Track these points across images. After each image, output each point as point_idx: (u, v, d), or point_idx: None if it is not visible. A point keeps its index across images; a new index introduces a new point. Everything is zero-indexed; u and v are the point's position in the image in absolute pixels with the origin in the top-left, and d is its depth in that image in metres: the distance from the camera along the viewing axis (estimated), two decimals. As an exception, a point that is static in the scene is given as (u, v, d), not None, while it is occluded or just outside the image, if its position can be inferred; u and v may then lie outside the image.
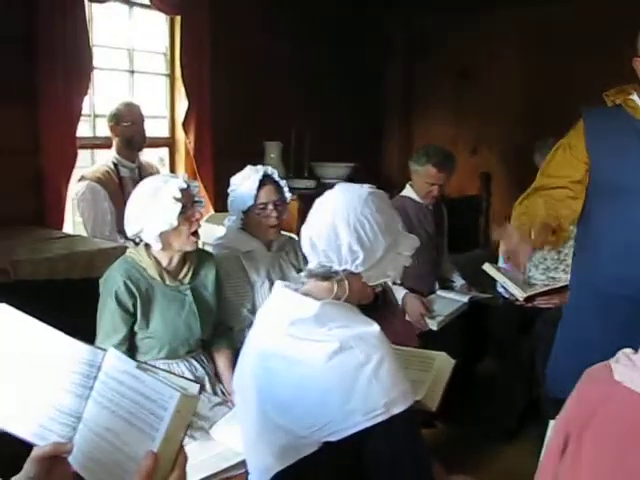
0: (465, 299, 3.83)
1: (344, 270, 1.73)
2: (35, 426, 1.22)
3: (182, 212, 2.43)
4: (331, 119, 5.50)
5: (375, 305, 1.88)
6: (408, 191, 3.92)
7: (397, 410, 1.59)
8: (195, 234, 2.51)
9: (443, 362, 2.46)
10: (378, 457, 1.62)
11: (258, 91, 4.93)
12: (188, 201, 2.47)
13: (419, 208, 3.89)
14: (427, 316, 3.57)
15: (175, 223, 2.41)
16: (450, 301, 3.81)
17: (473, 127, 5.94)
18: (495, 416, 3.68)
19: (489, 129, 5.86)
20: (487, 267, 3.68)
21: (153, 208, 2.42)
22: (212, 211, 4.41)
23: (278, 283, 1.83)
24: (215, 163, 4.59)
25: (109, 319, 2.44)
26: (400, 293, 3.63)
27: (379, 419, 1.58)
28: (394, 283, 3.66)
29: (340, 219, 1.70)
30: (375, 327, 1.66)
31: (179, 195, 2.40)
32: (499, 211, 5.50)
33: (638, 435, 1.31)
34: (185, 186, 2.45)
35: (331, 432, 1.60)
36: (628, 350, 1.42)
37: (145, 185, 2.49)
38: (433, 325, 3.57)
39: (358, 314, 1.73)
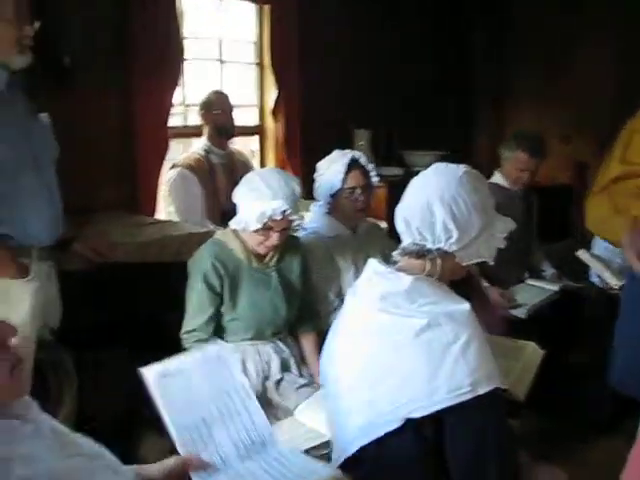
0: (556, 288, 3.73)
1: (438, 249, 1.72)
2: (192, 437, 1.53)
3: (262, 229, 2.44)
4: (420, 107, 5.46)
5: (465, 288, 1.86)
6: (497, 178, 3.84)
7: (482, 390, 1.58)
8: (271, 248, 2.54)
9: (532, 352, 2.42)
10: (460, 437, 1.61)
11: (347, 79, 4.94)
12: (277, 226, 2.45)
13: (508, 195, 3.80)
14: (510, 307, 3.50)
15: (249, 231, 2.46)
16: (540, 290, 3.72)
17: (566, 114, 5.77)
18: (585, 408, 3.58)
19: (583, 117, 5.68)
20: (581, 253, 3.56)
21: (243, 207, 2.48)
22: (311, 207, 4.45)
23: (371, 260, 1.84)
24: (304, 150, 4.62)
25: (196, 299, 2.51)
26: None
27: (463, 398, 1.57)
28: (479, 275, 3.62)
29: (435, 197, 1.70)
30: (465, 305, 1.65)
31: (265, 220, 2.40)
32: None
33: None
34: (278, 218, 2.41)
35: (415, 408, 1.61)
36: None
37: (259, 183, 2.46)
38: (522, 314, 3.49)
39: (449, 292, 1.72)
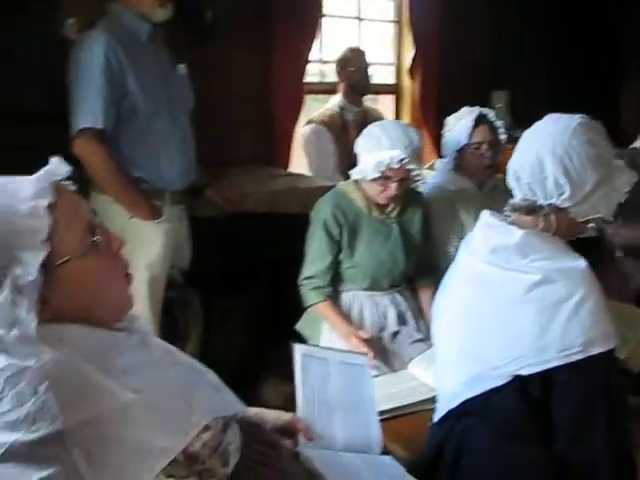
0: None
1: (549, 205, 1.65)
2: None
3: (380, 179, 2.45)
4: (563, 69, 5.21)
5: (588, 250, 1.78)
6: None
7: (595, 351, 1.51)
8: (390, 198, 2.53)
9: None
10: (568, 398, 1.55)
11: (488, 38, 4.80)
12: (395, 176, 2.45)
13: (653, 162, 3.60)
14: None
15: (368, 180, 2.47)
16: (682, 263, 3.51)
17: None
18: None
19: None
20: None
21: (363, 156, 2.50)
22: (436, 158, 4.40)
23: (484, 212, 1.79)
24: (440, 111, 4.53)
25: (316, 246, 2.56)
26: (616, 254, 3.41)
27: (574, 358, 1.51)
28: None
29: (546, 150, 1.62)
30: (581, 262, 1.58)
31: (383, 168, 2.41)
32: None
33: None
34: (396, 167, 2.41)
35: (523, 365, 1.56)
36: None
37: (379, 131, 2.49)
38: (656, 286, 3.31)
39: (564, 248, 1.65)
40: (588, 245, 2.19)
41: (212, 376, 1.40)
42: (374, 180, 2.46)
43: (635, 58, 5.90)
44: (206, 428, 1.19)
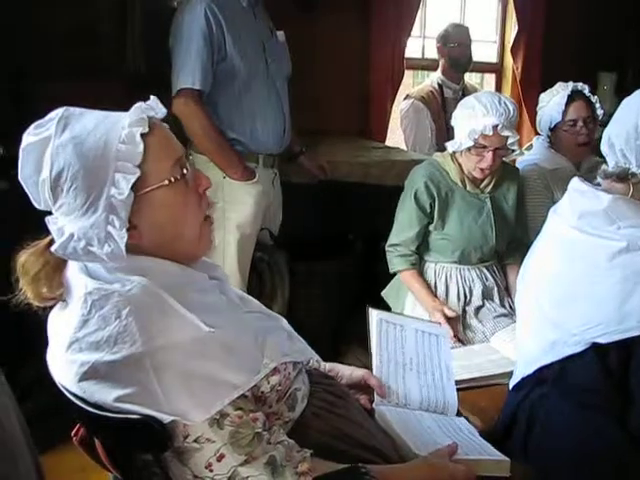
0: None
1: None
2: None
3: (473, 148, 2.43)
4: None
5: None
6: None
7: None
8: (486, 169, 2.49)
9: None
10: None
11: (594, 18, 4.62)
12: (490, 144, 2.42)
13: None
14: None
15: (463, 149, 2.46)
16: None
17: None
18: None
19: None
20: None
21: (457, 127, 2.50)
22: (533, 139, 4.31)
23: (575, 178, 1.76)
24: (542, 91, 4.43)
25: (406, 215, 2.57)
26: None
27: None
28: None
29: None
30: None
31: (476, 136, 2.39)
32: None
33: None
34: (489, 134, 2.39)
35: (602, 333, 1.53)
36: None
37: (473, 101, 2.47)
38: None
39: None
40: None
41: (286, 324, 1.45)
42: (469, 150, 2.44)
43: None
44: (275, 371, 1.23)
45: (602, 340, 1.54)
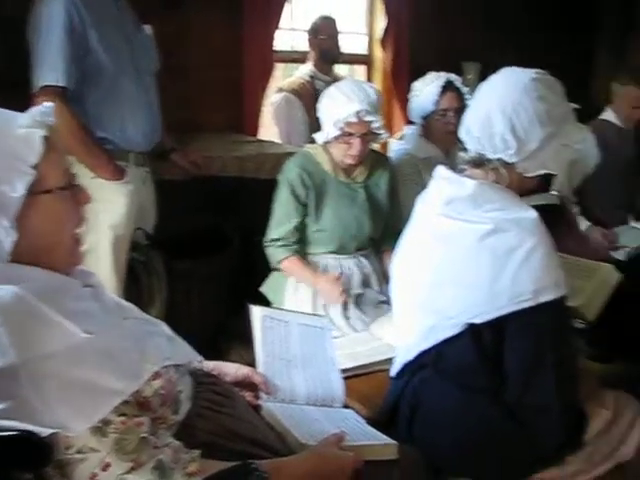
0: (660, 232, 3.56)
1: (498, 159, 1.67)
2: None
3: (340, 137, 2.46)
4: (534, 40, 5.20)
5: (549, 221, 1.80)
6: (608, 114, 3.67)
7: (545, 298, 1.53)
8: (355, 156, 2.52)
9: (608, 273, 2.32)
10: (519, 346, 1.58)
11: (459, 10, 4.78)
12: (356, 131, 2.45)
13: (620, 133, 3.63)
14: (611, 249, 3.39)
15: (331, 139, 2.49)
16: (642, 233, 3.57)
17: None
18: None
19: None
20: None
21: (323, 117, 2.52)
22: (405, 128, 4.41)
23: (439, 166, 1.81)
24: (412, 82, 4.54)
25: (282, 208, 2.57)
26: (583, 224, 3.47)
27: (525, 305, 1.53)
28: (580, 213, 3.51)
29: (496, 106, 1.64)
30: (532, 213, 1.60)
31: (341, 124, 2.42)
32: None
33: None
34: (354, 121, 2.42)
35: (477, 314, 1.59)
36: None
37: (335, 91, 2.51)
38: (621, 256, 3.37)
39: (516, 199, 1.67)
40: (549, 211, 2.22)
41: (165, 328, 1.42)
42: (337, 139, 2.46)
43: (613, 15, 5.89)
44: (157, 375, 1.20)
45: (477, 320, 1.59)
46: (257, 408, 1.58)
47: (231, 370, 1.62)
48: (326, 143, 2.56)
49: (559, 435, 1.61)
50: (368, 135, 2.49)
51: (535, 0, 5.24)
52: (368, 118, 2.43)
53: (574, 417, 1.65)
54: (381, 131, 2.52)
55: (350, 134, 2.45)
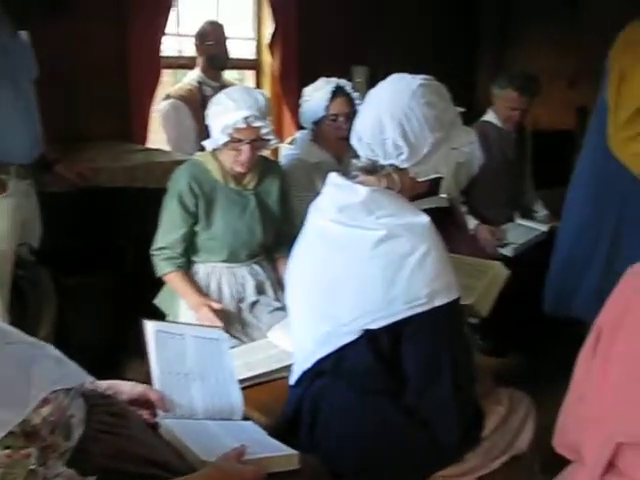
0: (545, 228, 3.71)
1: (390, 165, 1.69)
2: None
3: (229, 144, 2.44)
4: (422, 46, 5.34)
5: (441, 223, 1.83)
6: (490, 116, 3.79)
7: (439, 302, 1.57)
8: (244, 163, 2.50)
9: (497, 270, 2.41)
10: (415, 349, 1.61)
11: (348, 14, 4.84)
12: (245, 137, 2.43)
13: (501, 134, 3.75)
14: (499, 246, 3.51)
15: (220, 146, 2.46)
16: (528, 229, 3.71)
17: (575, 58, 5.62)
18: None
19: (591, 60, 5.53)
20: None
21: (212, 124, 2.48)
22: (296, 133, 4.41)
23: (331, 173, 1.81)
24: (301, 86, 4.55)
25: (169, 217, 2.53)
26: (471, 223, 3.58)
27: (420, 309, 1.56)
28: (469, 213, 3.62)
29: (386, 112, 1.65)
30: (424, 218, 1.63)
31: (230, 131, 2.40)
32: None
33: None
34: (242, 126, 2.40)
35: (372, 320, 1.60)
36: None
37: (223, 97, 2.48)
38: (509, 252, 3.50)
39: (408, 204, 1.69)
40: (439, 213, 2.27)
41: (52, 350, 1.36)
42: (226, 146, 2.44)
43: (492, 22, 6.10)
44: (45, 402, 1.15)
45: (373, 326, 1.61)
46: (155, 426, 1.54)
47: (126, 388, 1.57)
48: (215, 150, 2.53)
49: (458, 433, 1.65)
50: (257, 141, 2.47)
51: (420, 6, 5.37)
52: (257, 124, 2.41)
53: (472, 415, 1.69)
54: (270, 137, 2.50)
55: (239, 140, 2.42)
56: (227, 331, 2.34)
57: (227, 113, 2.39)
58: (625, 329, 1.31)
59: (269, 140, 2.52)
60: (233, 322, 2.52)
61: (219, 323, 2.34)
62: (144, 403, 1.58)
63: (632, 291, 1.34)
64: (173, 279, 2.55)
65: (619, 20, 2.69)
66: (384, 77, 1.85)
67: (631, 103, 2.52)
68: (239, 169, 2.51)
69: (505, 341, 3.48)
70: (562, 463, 1.54)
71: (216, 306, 2.44)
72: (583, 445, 1.39)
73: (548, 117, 5.09)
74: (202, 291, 2.54)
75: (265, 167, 2.66)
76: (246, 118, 2.38)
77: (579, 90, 5.62)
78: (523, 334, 3.44)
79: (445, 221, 2.66)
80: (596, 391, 1.37)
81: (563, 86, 5.47)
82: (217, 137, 2.43)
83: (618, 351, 1.32)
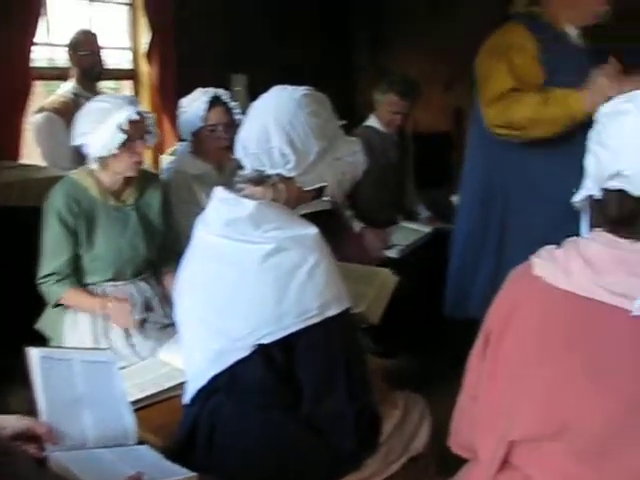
0: (428, 229, 3.82)
1: (277, 174, 1.69)
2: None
3: (125, 143, 2.37)
4: (299, 53, 5.37)
5: (325, 227, 1.84)
6: (372, 121, 3.86)
7: (331, 313, 1.57)
8: (139, 163, 2.46)
9: (386, 277, 2.46)
10: (310, 359, 1.60)
11: (224, 22, 4.81)
12: (136, 133, 2.39)
13: (383, 138, 3.84)
14: (384, 248, 3.58)
15: (115, 152, 2.38)
16: (412, 231, 3.81)
17: (447, 62, 5.79)
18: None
19: (464, 64, 5.72)
20: (456, 199, 3.68)
21: (97, 132, 2.37)
22: (176, 144, 4.34)
23: (217, 187, 1.79)
24: (180, 96, 4.47)
25: (53, 239, 2.41)
26: (357, 227, 3.63)
27: (312, 321, 1.56)
28: (354, 216, 3.67)
29: (271, 122, 1.65)
30: (312, 229, 1.63)
31: (126, 126, 2.35)
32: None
33: (555, 329, 1.29)
34: (136, 118, 2.38)
35: (264, 334, 1.58)
36: (551, 246, 1.39)
37: (98, 103, 2.42)
38: (395, 254, 3.57)
39: (295, 216, 1.69)
40: (322, 217, 2.28)
41: None
42: (120, 149, 2.37)
43: (365, 30, 6.21)
44: None
45: (265, 341, 1.59)
46: (43, 461, 1.46)
47: (10, 422, 1.47)
48: (101, 163, 2.44)
49: (355, 440, 1.66)
50: (145, 134, 2.46)
51: (294, 17, 5.39)
52: (145, 113, 2.42)
53: (368, 421, 1.70)
54: (153, 129, 2.50)
55: (132, 138, 2.38)
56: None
57: (114, 113, 2.34)
58: (512, 330, 1.35)
59: (152, 132, 2.51)
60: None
61: (129, 307, 2.37)
62: (30, 437, 1.50)
63: (517, 292, 1.38)
64: (71, 297, 2.45)
65: (486, 26, 2.81)
66: (264, 85, 1.86)
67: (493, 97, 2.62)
68: (133, 173, 2.46)
69: (396, 342, 3.54)
70: (459, 462, 1.57)
71: (120, 297, 2.42)
72: (478, 444, 1.43)
73: (427, 120, 5.24)
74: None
75: (145, 180, 2.60)
76: (136, 110, 2.37)
77: (454, 92, 5.81)
78: (413, 334, 3.51)
79: (329, 224, 2.68)
80: (487, 391, 1.40)
81: (439, 89, 5.64)
82: (109, 143, 2.35)
83: (506, 351, 1.36)
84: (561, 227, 1.65)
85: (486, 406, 1.40)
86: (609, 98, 2.18)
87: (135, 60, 4.63)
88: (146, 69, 4.54)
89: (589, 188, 1.34)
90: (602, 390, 1.21)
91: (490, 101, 2.62)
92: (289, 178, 1.69)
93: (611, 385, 1.20)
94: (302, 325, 1.56)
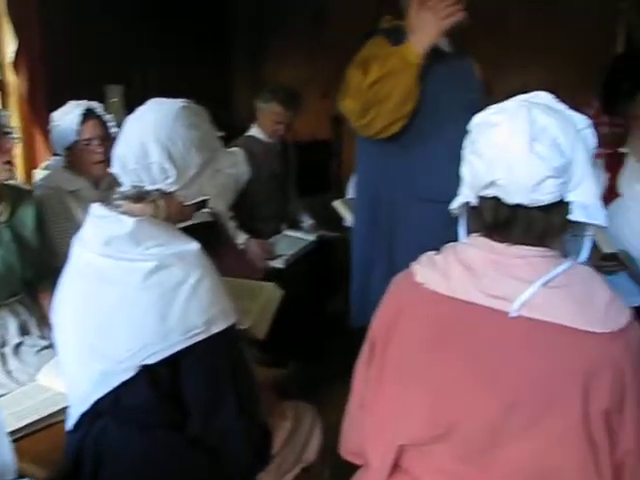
0: (312, 237, 3.85)
1: (157, 190, 1.65)
2: None
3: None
4: (176, 60, 5.28)
5: (206, 240, 1.81)
6: (254, 131, 3.85)
7: (217, 328, 1.56)
8: (9, 163, 2.34)
9: (271, 291, 2.46)
10: (197, 377, 1.58)
11: (96, 29, 4.66)
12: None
13: (266, 148, 3.83)
14: (269, 258, 3.57)
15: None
16: (297, 240, 3.82)
17: (326, 70, 5.85)
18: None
19: (342, 72, 5.80)
20: (336, 204, 3.72)
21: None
22: (49, 157, 4.17)
23: (94, 204, 1.73)
24: (51, 107, 4.28)
25: None
26: (241, 238, 3.61)
27: (198, 338, 1.54)
28: (238, 227, 3.65)
29: (149, 136, 1.62)
30: (194, 245, 1.61)
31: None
32: (350, 154, 5.50)
33: (438, 333, 1.32)
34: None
35: (149, 354, 1.54)
36: (431, 252, 1.43)
37: None
38: (280, 264, 3.56)
39: (177, 232, 1.66)
40: (203, 230, 2.25)
41: None
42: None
43: (243, 50, 6.20)
44: None
45: (150, 361, 1.55)
46: None
47: None
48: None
49: (247, 456, 1.65)
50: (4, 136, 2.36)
51: (172, 15, 5.30)
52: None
53: (259, 435, 1.69)
54: (10, 129, 2.39)
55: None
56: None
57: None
58: (397, 336, 1.37)
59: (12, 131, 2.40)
60: None
61: None
62: None
63: (400, 299, 1.41)
64: None
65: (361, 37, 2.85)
66: (140, 96, 1.81)
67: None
68: (5, 175, 2.35)
69: (285, 352, 3.54)
70: (351, 469, 1.59)
71: None
72: (368, 450, 1.45)
73: (306, 128, 5.27)
74: None
75: (17, 196, 2.48)
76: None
77: (332, 100, 5.86)
78: (300, 343, 3.53)
79: (210, 236, 2.65)
80: (375, 398, 1.42)
81: (317, 97, 5.69)
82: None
83: (392, 358, 1.38)
84: (442, 232, 1.68)
85: (375, 412, 1.42)
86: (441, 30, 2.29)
87: (1, 70, 4.41)
88: (14, 80, 4.33)
89: (466, 195, 1.39)
90: (486, 391, 1.25)
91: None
92: (169, 193, 1.66)
93: (495, 386, 1.24)
94: (188, 342, 1.53)
